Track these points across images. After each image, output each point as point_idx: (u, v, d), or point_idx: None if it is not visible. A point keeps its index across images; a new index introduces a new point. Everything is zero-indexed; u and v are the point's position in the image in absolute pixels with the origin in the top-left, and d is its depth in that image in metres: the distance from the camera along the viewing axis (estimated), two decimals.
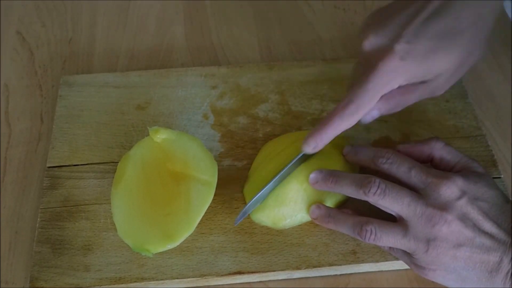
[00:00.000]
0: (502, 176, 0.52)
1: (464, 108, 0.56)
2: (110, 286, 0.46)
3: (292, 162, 0.48)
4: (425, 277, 0.44)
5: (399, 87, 0.45)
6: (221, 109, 0.57)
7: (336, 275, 0.48)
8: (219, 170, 0.48)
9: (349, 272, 0.48)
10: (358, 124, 0.46)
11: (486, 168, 0.52)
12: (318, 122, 0.46)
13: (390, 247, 0.45)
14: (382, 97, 0.45)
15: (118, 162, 0.51)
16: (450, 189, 0.42)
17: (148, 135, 0.49)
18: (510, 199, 0.50)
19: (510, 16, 0.66)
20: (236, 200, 0.50)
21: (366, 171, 0.47)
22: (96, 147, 0.54)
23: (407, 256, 0.44)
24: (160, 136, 0.48)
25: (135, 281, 0.46)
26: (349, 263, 0.47)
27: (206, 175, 0.47)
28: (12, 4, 0.69)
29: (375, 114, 0.47)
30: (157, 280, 0.46)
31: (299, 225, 0.49)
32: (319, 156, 0.49)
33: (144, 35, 0.66)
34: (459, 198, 0.42)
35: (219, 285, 0.48)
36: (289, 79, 0.59)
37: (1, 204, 0.53)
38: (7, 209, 0.52)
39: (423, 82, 0.45)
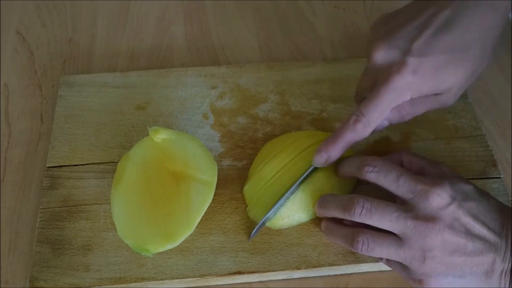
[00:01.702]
0: (502, 176, 0.52)
1: (464, 108, 0.56)
2: (110, 286, 0.46)
3: (303, 177, 0.48)
4: None
5: (410, 99, 0.44)
6: (221, 109, 0.57)
7: (336, 275, 0.48)
8: (219, 170, 0.48)
9: (349, 272, 0.48)
10: None
11: (486, 168, 0.52)
12: (329, 135, 0.46)
13: (387, 260, 0.45)
14: (392, 108, 0.45)
15: (118, 162, 0.51)
16: (440, 196, 0.42)
17: (148, 135, 0.49)
18: (509, 198, 0.50)
19: (510, 16, 0.65)
20: (236, 200, 0.50)
21: (362, 183, 0.46)
22: (96, 147, 0.54)
23: (405, 271, 0.43)
24: (160, 136, 0.48)
25: (135, 281, 0.46)
26: (349, 263, 0.47)
27: (206, 175, 0.47)
28: (12, 4, 0.69)
29: (384, 123, 0.47)
30: (157, 280, 0.46)
31: (299, 225, 0.49)
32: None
33: (144, 35, 0.66)
34: (450, 204, 0.41)
35: (219, 285, 0.48)
36: (289, 79, 0.59)
37: (1, 204, 0.53)
38: (7, 209, 0.52)
39: (433, 94, 0.45)
